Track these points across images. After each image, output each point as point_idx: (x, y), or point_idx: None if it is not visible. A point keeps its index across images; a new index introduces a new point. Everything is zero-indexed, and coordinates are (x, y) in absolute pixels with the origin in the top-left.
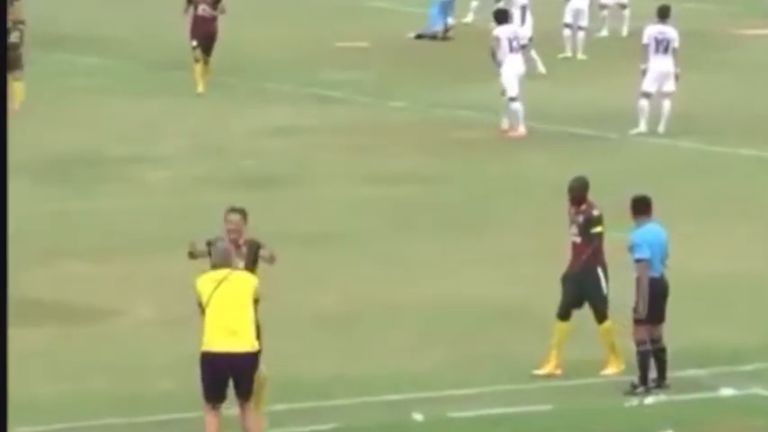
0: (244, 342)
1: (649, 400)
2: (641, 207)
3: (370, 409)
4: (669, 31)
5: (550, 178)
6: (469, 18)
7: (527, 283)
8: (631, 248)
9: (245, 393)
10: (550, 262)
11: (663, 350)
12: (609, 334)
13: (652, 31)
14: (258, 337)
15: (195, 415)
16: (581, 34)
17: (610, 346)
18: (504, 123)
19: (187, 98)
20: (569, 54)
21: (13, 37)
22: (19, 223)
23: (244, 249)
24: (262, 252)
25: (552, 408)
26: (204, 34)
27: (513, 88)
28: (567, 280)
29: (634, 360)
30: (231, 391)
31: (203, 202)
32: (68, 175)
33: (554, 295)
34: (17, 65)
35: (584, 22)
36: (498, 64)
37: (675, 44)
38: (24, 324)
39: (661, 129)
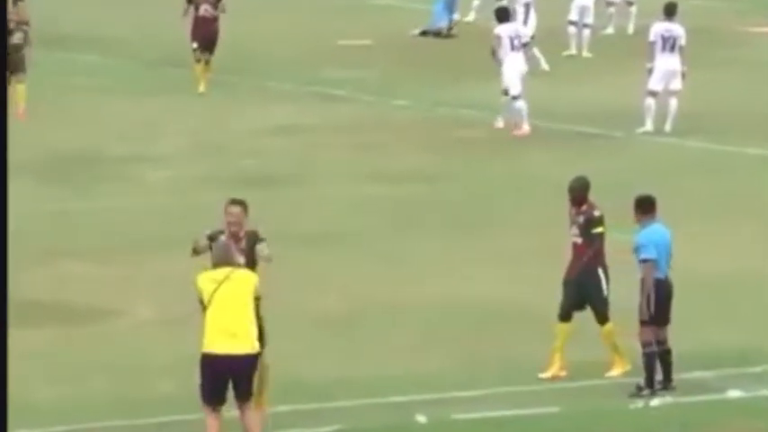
0: (244, 344)
1: (655, 402)
2: (646, 207)
3: (373, 410)
4: (676, 29)
5: (554, 177)
6: (471, 17)
7: (531, 282)
8: (637, 249)
9: (244, 395)
10: (554, 261)
11: (668, 352)
12: (611, 336)
13: (659, 28)
14: (261, 333)
15: (196, 417)
16: (586, 32)
17: (613, 348)
18: (499, 122)
19: (187, 97)
20: (574, 52)
21: (17, 38)
22: (19, 223)
23: (244, 242)
24: (259, 247)
25: (558, 410)
26: (205, 35)
27: (515, 87)
28: (567, 282)
29: (639, 362)
30: (231, 392)
31: (204, 201)
32: (68, 175)
33: (558, 295)
34: (20, 67)
35: (589, 20)
36: (498, 63)
37: (682, 42)
38: (24, 325)
39: (668, 127)
